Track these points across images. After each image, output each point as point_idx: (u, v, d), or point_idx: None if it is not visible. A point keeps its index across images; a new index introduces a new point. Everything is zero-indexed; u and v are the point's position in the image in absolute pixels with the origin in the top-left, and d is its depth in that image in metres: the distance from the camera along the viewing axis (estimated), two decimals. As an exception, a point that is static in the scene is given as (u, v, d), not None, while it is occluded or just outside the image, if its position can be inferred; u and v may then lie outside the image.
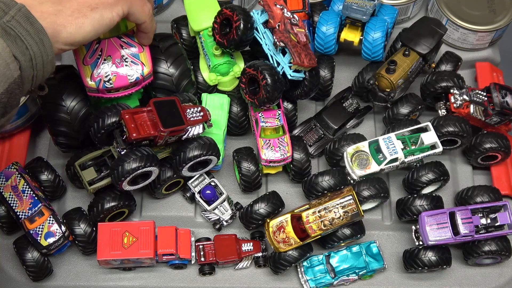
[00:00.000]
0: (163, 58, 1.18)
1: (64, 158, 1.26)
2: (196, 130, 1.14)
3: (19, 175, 1.16)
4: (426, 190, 1.23)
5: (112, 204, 1.14)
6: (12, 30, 0.84)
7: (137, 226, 1.14)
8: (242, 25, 1.15)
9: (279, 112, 1.22)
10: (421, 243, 1.17)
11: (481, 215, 1.16)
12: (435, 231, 1.14)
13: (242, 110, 1.26)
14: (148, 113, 1.07)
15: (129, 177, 1.07)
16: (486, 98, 1.24)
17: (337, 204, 1.13)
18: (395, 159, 1.18)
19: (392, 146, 1.18)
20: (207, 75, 1.27)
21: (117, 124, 1.08)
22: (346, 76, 1.41)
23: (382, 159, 1.19)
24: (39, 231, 1.13)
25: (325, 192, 1.17)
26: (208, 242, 1.18)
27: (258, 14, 1.19)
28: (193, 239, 1.18)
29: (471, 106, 1.25)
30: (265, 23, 1.18)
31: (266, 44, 1.18)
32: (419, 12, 1.51)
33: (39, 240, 1.12)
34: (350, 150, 1.20)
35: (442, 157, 1.27)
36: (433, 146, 1.20)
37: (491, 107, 1.22)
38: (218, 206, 1.20)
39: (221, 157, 1.21)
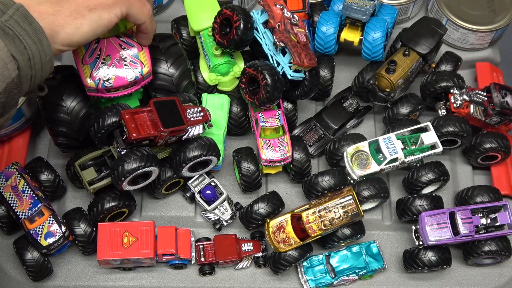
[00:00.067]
0: (163, 58, 1.18)
1: (64, 158, 1.26)
2: (196, 130, 1.14)
3: (19, 175, 1.16)
4: (426, 190, 1.23)
5: (112, 204, 1.14)
6: (10, 29, 0.84)
7: (137, 226, 1.14)
8: (242, 25, 1.15)
9: (279, 112, 1.22)
10: (421, 243, 1.17)
11: (481, 215, 1.16)
12: (435, 231, 1.14)
13: (242, 110, 1.26)
14: (148, 113, 1.07)
15: (129, 177, 1.07)
16: (486, 98, 1.24)
17: (337, 204, 1.13)
18: (395, 159, 1.18)
19: (392, 146, 1.18)
20: (207, 75, 1.27)
21: (117, 124, 1.08)
22: (346, 76, 1.41)
23: (382, 159, 1.19)
24: (39, 231, 1.13)
25: (325, 192, 1.17)
26: (208, 242, 1.18)
27: (258, 14, 1.19)
28: (193, 239, 1.18)
29: (471, 106, 1.25)
30: (265, 23, 1.18)
31: (266, 44, 1.18)
32: (419, 12, 1.51)
33: (39, 240, 1.12)
34: (350, 150, 1.20)
35: (442, 157, 1.27)
36: (433, 146, 1.20)
37: (491, 107, 1.22)
38: (218, 206, 1.20)
39: (221, 157, 1.21)
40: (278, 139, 1.21)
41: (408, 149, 1.20)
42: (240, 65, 1.27)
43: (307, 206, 1.15)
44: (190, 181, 1.21)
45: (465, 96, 1.25)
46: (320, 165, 1.30)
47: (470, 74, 1.44)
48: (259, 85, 1.15)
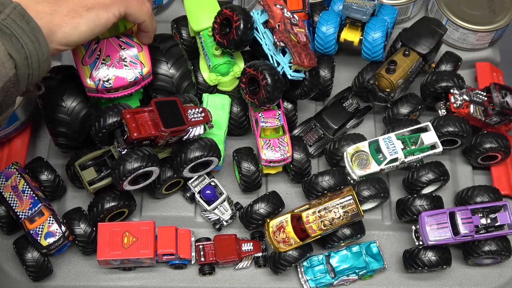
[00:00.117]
0: (163, 59, 1.18)
1: (64, 158, 1.26)
2: (197, 131, 1.14)
3: (19, 175, 1.16)
4: (426, 190, 1.23)
5: (112, 204, 1.14)
6: (7, 28, 0.84)
7: (137, 226, 1.14)
8: (242, 25, 1.15)
9: (279, 112, 1.22)
10: (421, 243, 1.17)
11: (481, 215, 1.16)
12: (435, 231, 1.14)
13: (242, 110, 1.26)
14: (149, 113, 1.08)
15: (130, 176, 1.07)
16: (486, 98, 1.24)
17: (337, 204, 1.13)
18: (395, 159, 1.18)
19: (392, 146, 1.19)
20: (207, 75, 1.27)
21: (118, 123, 1.08)
22: (346, 76, 1.41)
23: (382, 159, 1.19)
24: (39, 231, 1.13)
25: (325, 192, 1.17)
26: (208, 242, 1.18)
27: (258, 14, 1.19)
28: (193, 239, 1.18)
29: (471, 106, 1.25)
30: (265, 23, 1.18)
31: (266, 44, 1.18)
32: (419, 12, 1.51)
33: (39, 240, 1.12)
34: (350, 150, 1.20)
35: (442, 157, 1.27)
36: (433, 146, 1.21)
37: (491, 107, 1.22)
38: (218, 206, 1.20)
39: (221, 158, 1.21)
40: (278, 139, 1.21)
41: (408, 149, 1.20)
42: (240, 65, 1.27)
43: (307, 206, 1.15)
44: (190, 181, 1.21)
45: (465, 96, 1.25)
46: (320, 165, 1.30)
47: (470, 74, 1.44)
48: (259, 85, 1.15)
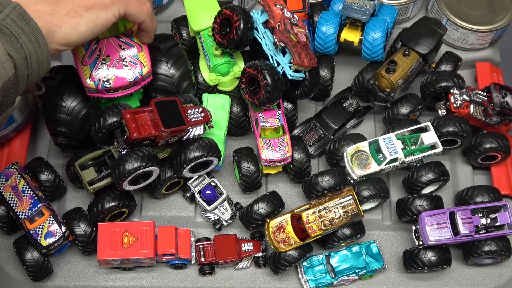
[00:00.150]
0: (163, 59, 1.18)
1: (64, 158, 1.26)
2: (197, 131, 1.14)
3: (19, 175, 1.16)
4: (426, 190, 1.23)
5: (112, 204, 1.14)
6: (6, 28, 0.84)
7: (137, 226, 1.14)
8: (242, 25, 1.15)
9: (279, 112, 1.22)
10: (421, 243, 1.17)
11: (481, 215, 1.16)
12: (435, 231, 1.14)
13: (242, 110, 1.26)
14: (149, 113, 1.08)
15: (130, 176, 1.07)
16: (486, 98, 1.24)
17: (337, 204, 1.13)
18: (395, 159, 1.18)
19: (392, 146, 1.18)
20: (207, 75, 1.27)
21: (118, 123, 1.08)
22: (346, 76, 1.41)
23: (382, 159, 1.19)
24: (39, 231, 1.13)
25: (325, 192, 1.17)
26: (208, 242, 1.18)
27: (258, 14, 1.19)
28: (193, 239, 1.18)
29: (471, 106, 1.25)
30: (265, 23, 1.18)
31: (266, 44, 1.18)
32: (419, 12, 1.51)
33: (39, 240, 1.12)
34: (350, 150, 1.20)
35: (442, 157, 1.27)
36: (433, 146, 1.20)
37: (491, 107, 1.22)
38: (218, 206, 1.20)
39: (221, 158, 1.21)
40: (278, 139, 1.21)
41: (408, 149, 1.20)
42: (240, 65, 1.27)
43: (307, 206, 1.15)
44: (190, 181, 1.21)
45: (465, 96, 1.25)
46: (320, 165, 1.30)
47: (470, 74, 1.44)
48: (259, 85, 1.15)
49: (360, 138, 1.23)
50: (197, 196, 1.20)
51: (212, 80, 1.26)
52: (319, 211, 1.12)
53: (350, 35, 1.32)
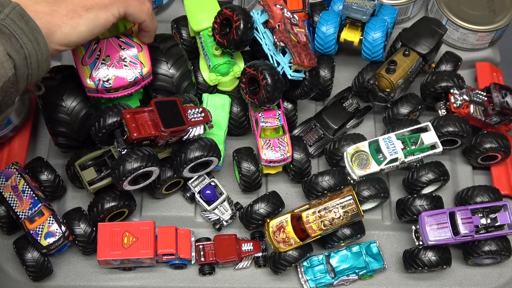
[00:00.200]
0: (163, 59, 1.18)
1: (64, 158, 1.26)
2: (197, 131, 1.14)
3: (19, 175, 1.16)
4: (426, 190, 1.23)
5: (112, 204, 1.14)
6: (6, 28, 0.84)
7: (137, 226, 1.14)
8: (242, 25, 1.15)
9: (279, 112, 1.22)
10: (421, 243, 1.17)
11: (481, 215, 1.16)
12: (435, 231, 1.14)
13: (242, 110, 1.26)
14: (149, 113, 1.08)
15: (130, 176, 1.07)
16: (486, 98, 1.24)
17: (337, 204, 1.12)
18: (395, 159, 1.18)
19: (392, 146, 1.18)
20: (207, 75, 1.27)
21: (118, 123, 1.08)
22: (346, 76, 1.41)
23: (382, 159, 1.19)
24: (39, 231, 1.13)
25: (325, 192, 1.17)
26: (208, 242, 1.18)
27: (258, 14, 1.19)
28: (193, 239, 1.18)
29: (471, 106, 1.25)
30: (265, 23, 1.18)
31: (266, 44, 1.18)
32: (419, 12, 1.51)
33: (39, 240, 1.12)
34: (350, 150, 1.20)
35: (442, 157, 1.27)
36: (433, 146, 1.20)
37: (491, 107, 1.22)
38: (218, 206, 1.20)
39: (221, 158, 1.21)
40: (278, 139, 1.21)
41: (408, 149, 1.20)
42: (240, 65, 1.27)
43: (307, 206, 1.15)
44: (190, 181, 1.21)
45: (465, 96, 1.25)
46: (320, 165, 1.30)
47: (470, 74, 1.44)
48: (259, 85, 1.15)
49: (360, 138, 1.23)
50: (197, 196, 1.20)
51: (212, 80, 1.26)
52: (319, 211, 1.12)
53: (350, 35, 1.32)
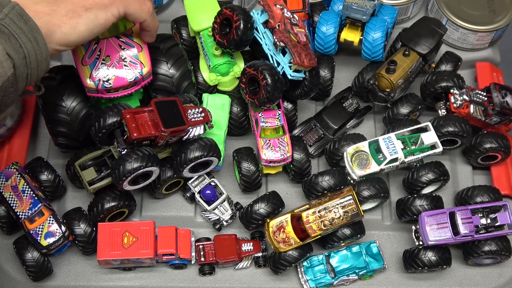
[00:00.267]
0: (163, 59, 1.18)
1: (64, 158, 1.26)
2: (197, 131, 1.14)
3: (19, 175, 1.16)
4: (426, 190, 1.23)
5: (112, 204, 1.14)
6: (5, 28, 0.84)
7: (137, 226, 1.14)
8: (242, 25, 1.15)
9: (279, 112, 1.22)
10: (421, 243, 1.17)
11: (481, 215, 1.16)
12: (435, 231, 1.14)
13: (242, 110, 1.26)
14: (149, 113, 1.08)
15: (130, 176, 1.07)
16: (486, 98, 1.24)
17: (337, 204, 1.13)
18: (395, 159, 1.18)
19: (392, 146, 1.18)
20: (207, 75, 1.27)
21: (118, 123, 1.08)
22: (346, 76, 1.41)
23: (382, 159, 1.19)
24: (39, 231, 1.13)
25: (325, 192, 1.17)
26: (208, 242, 1.18)
27: (258, 14, 1.19)
28: (193, 239, 1.18)
29: (471, 106, 1.25)
30: (265, 23, 1.18)
31: (266, 44, 1.18)
32: (419, 12, 1.51)
33: (39, 240, 1.12)
34: (350, 150, 1.20)
35: (442, 157, 1.27)
36: (433, 146, 1.20)
37: (491, 107, 1.22)
38: (218, 206, 1.20)
39: (221, 158, 1.21)
40: (278, 139, 1.21)
41: (408, 149, 1.20)
42: (240, 65, 1.27)
43: (307, 206, 1.15)
44: (190, 181, 1.21)
45: (465, 96, 1.25)
46: (320, 165, 1.30)
47: (470, 74, 1.44)
48: (259, 85, 1.15)
49: (360, 138, 1.23)
50: (197, 196, 1.20)
51: (212, 80, 1.26)
52: (319, 211, 1.12)
53: (350, 35, 1.32)
